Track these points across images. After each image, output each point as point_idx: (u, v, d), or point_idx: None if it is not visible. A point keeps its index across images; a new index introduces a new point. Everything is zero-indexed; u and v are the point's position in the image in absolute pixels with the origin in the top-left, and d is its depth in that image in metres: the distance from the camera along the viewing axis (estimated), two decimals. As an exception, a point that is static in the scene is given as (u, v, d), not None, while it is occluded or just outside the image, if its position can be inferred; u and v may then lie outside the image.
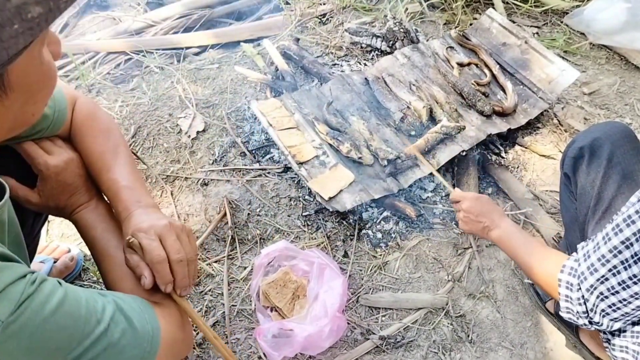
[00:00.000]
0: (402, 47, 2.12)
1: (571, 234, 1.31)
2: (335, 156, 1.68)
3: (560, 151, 1.90)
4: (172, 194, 1.72)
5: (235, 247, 1.59)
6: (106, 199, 0.92)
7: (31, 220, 0.97)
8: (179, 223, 0.83)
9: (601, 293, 0.89)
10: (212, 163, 1.81)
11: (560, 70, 1.97)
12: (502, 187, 1.79)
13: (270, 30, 2.40)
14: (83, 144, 0.92)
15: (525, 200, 1.74)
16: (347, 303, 1.47)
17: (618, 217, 0.86)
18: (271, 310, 1.41)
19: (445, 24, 2.48)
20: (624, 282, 0.85)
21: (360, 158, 1.66)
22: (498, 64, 2.06)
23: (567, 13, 2.55)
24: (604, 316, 0.91)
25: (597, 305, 0.90)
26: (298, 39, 2.27)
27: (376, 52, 2.22)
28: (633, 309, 0.87)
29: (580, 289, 0.92)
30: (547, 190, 1.81)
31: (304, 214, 1.68)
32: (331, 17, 2.46)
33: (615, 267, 0.85)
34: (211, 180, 1.76)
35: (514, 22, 2.39)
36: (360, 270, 1.56)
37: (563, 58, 2.19)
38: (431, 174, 1.68)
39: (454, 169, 1.80)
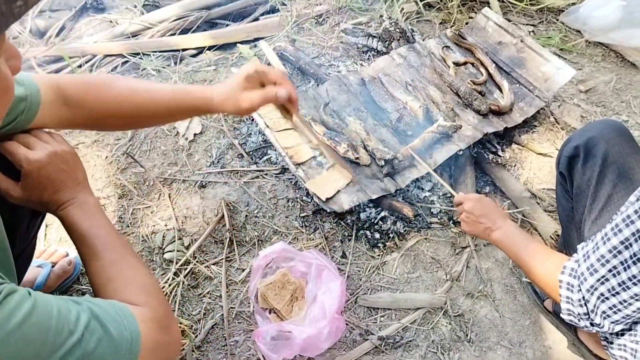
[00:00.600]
0: (398, 47, 2.12)
1: (568, 233, 1.31)
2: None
3: (557, 149, 1.90)
4: (169, 197, 1.72)
5: (233, 249, 1.59)
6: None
7: (26, 224, 0.96)
8: None
9: (601, 294, 0.88)
10: (210, 165, 1.81)
11: (556, 68, 1.97)
12: (500, 186, 1.80)
13: (266, 31, 2.40)
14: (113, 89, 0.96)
15: (523, 199, 1.74)
16: (345, 304, 1.47)
17: (617, 216, 0.85)
18: (270, 312, 1.41)
19: (441, 23, 2.48)
20: (623, 282, 0.84)
21: (357, 158, 1.66)
22: (494, 62, 2.06)
23: (562, 11, 2.55)
24: (604, 318, 0.90)
25: (597, 307, 0.90)
26: (294, 40, 2.27)
27: (372, 52, 2.22)
28: (634, 311, 0.86)
29: (580, 290, 0.92)
30: (544, 189, 1.81)
31: (301, 215, 1.68)
32: (327, 17, 2.46)
33: (615, 267, 0.85)
34: (209, 182, 1.76)
35: (509, 20, 2.39)
36: (359, 271, 1.57)
37: (559, 56, 2.19)
38: (428, 173, 1.68)
39: (451, 168, 1.81)
